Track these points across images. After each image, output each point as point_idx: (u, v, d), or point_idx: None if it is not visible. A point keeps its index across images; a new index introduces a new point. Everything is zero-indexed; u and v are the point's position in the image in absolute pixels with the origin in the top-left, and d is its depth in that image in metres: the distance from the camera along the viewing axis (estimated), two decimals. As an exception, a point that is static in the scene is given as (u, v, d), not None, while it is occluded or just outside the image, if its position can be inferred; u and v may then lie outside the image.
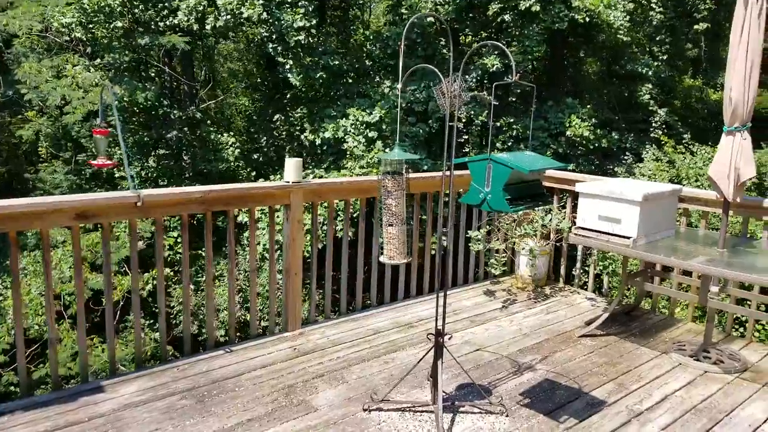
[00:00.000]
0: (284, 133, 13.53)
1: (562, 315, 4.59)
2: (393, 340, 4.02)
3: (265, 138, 13.73)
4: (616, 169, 10.55)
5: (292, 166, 3.88)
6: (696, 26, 12.16)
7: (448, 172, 2.92)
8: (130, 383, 3.32)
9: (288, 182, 3.89)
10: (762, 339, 5.33)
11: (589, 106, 10.44)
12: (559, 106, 10.62)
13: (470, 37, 11.55)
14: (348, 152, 10.56)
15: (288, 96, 13.12)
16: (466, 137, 10.93)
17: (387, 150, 10.56)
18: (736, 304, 4.16)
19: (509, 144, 10.60)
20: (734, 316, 4.58)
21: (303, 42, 10.59)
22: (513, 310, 4.66)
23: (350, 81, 11.88)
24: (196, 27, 10.88)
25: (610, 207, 3.89)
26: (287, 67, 10.98)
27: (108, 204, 3.28)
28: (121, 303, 8.71)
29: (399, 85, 2.90)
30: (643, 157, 10.45)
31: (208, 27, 10.75)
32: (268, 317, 4.10)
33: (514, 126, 10.58)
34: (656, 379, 3.60)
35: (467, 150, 10.98)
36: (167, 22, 10.81)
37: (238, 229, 10.33)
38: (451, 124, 2.82)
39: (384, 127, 10.77)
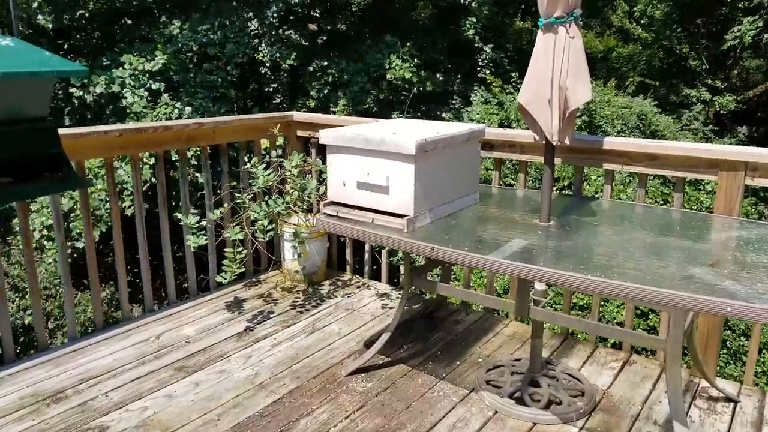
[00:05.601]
0: (60, 91, 10.71)
1: (334, 331, 2.93)
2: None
3: (37, 99, 10.79)
4: (444, 114, 9.18)
5: None
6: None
7: None
8: None
9: None
10: (610, 341, 3.82)
11: (409, 44, 8.86)
12: (378, 46, 8.96)
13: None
14: (127, 110, 8.23)
15: (66, 46, 10.34)
16: (275, 85, 8.96)
17: (178, 105, 8.38)
18: (570, 307, 2.74)
19: (325, 92, 8.81)
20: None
21: (46, -30, 7.92)
22: (261, 332, 2.91)
23: (129, 22, 9.37)
24: None
25: (372, 166, 2.21)
26: (34, 6, 8.27)
27: None
28: None
29: None
30: (472, 100, 9.14)
31: None
32: None
33: (329, 70, 8.78)
34: (456, 455, 2.05)
35: (278, 100, 9.04)
36: None
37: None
38: None
39: (172, 75, 8.52)
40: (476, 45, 9.80)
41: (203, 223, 2.95)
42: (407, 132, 2.23)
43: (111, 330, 2.89)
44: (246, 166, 3.03)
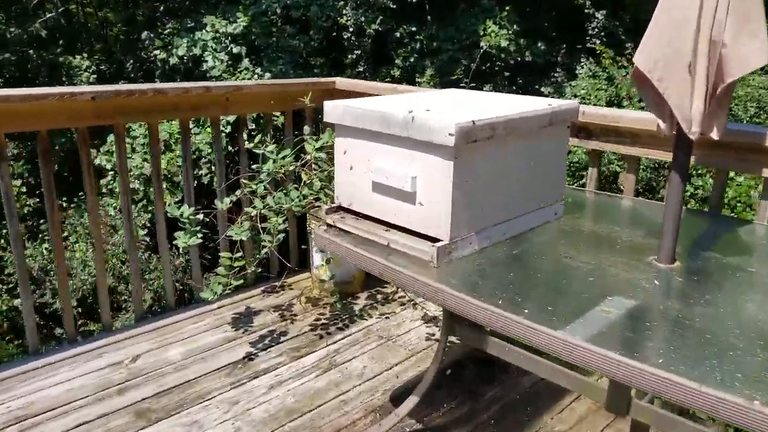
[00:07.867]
0: (153, 54, 10.66)
1: (356, 371, 2.20)
2: None
3: (132, 60, 10.83)
4: (543, 88, 8.07)
5: None
6: None
7: None
8: None
9: None
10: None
11: (508, 8, 7.79)
12: (473, 10, 7.97)
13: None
14: (207, 74, 7.92)
15: (161, 8, 10.29)
16: (358, 52, 8.24)
17: (258, 70, 7.94)
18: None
19: (411, 60, 7.99)
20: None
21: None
22: (263, 363, 2.24)
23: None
24: None
25: (392, 159, 1.43)
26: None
27: None
28: None
29: None
30: (578, 74, 7.97)
31: None
32: None
33: (418, 36, 7.94)
34: None
35: (361, 69, 8.33)
36: None
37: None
38: None
39: (254, 39, 8.08)
40: (587, 11, 8.51)
41: (200, 216, 2.30)
42: (449, 109, 1.43)
43: (81, 346, 2.32)
44: (246, 144, 2.34)
